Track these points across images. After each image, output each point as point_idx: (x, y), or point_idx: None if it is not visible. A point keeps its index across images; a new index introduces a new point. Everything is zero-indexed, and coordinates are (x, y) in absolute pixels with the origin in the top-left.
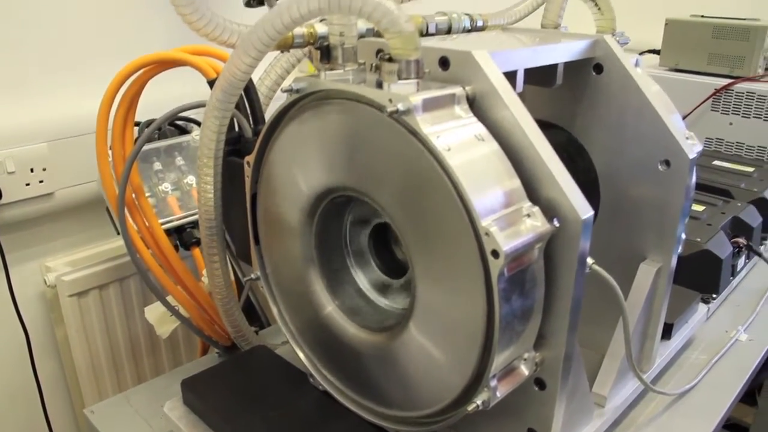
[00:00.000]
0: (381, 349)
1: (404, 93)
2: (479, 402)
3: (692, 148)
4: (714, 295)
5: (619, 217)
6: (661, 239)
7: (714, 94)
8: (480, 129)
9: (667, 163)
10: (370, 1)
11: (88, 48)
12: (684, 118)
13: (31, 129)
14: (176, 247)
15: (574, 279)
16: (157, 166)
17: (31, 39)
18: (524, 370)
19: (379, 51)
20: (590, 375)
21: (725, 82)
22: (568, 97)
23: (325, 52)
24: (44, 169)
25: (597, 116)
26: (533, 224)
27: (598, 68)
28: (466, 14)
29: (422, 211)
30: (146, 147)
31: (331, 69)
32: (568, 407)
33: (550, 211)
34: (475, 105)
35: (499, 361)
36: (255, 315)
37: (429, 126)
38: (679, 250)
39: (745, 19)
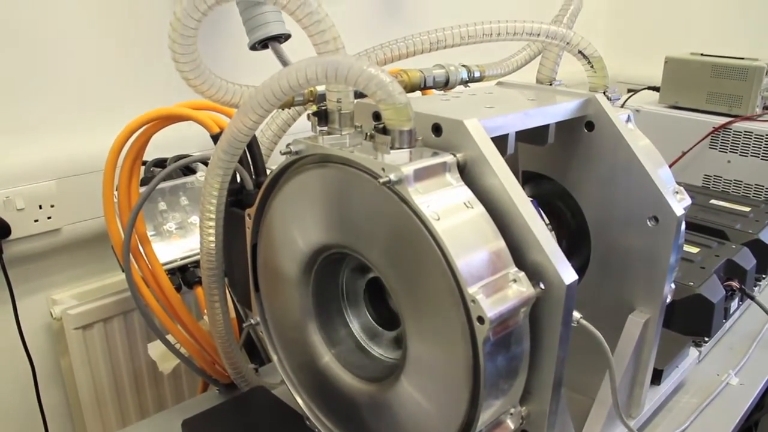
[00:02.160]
0: (375, 399)
1: (397, 163)
2: None
3: (680, 204)
4: (706, 339)
5: (609, 268)
6: (649, 291)
7: (712, 132)
8: (469, 196)
9: (655, 219)
10: (365, 73)
11: (95, 91)
12: (683, 155)
13: (40, 167)
14: (179, 287)
15: (558, 339)
16: (162, 206)
17: (41, 82)
18: (510, 424)
19: (375, 114)
20: (579, 420)
21: (724, 120)
22: (561, 151)
23: (323, 116)
24: (52, 206)
25: (588, 171)
26: (519, 289)
27: (590, 125)
28: (464, 66)
29: (412, 274)
30: (175, 182)
31: (329, 133)
32: None
33: (535, 275)
34: (465, 171)
35: (485, 417)
36: (255, 352)
37: (419, 195)
38: (669, 298)
39: (743, 59)
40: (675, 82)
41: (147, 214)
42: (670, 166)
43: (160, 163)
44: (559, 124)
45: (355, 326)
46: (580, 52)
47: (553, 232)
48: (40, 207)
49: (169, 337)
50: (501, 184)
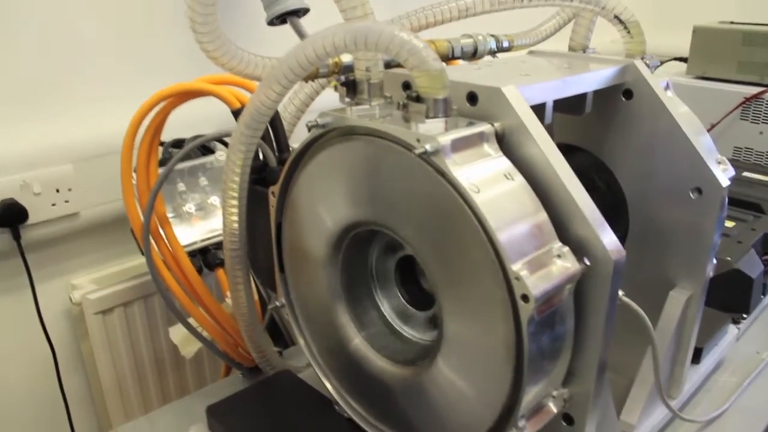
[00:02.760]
0: (408, 382)
1: (432, 133)
2: None
3: (725, 175)
4: (744, 315)
5: (648, 243)
6: (691, 267)
7: (743, 102)
8: (509, 167)
9: (699, 190)
10: (397, 38)
11: (112, 70)
12: (712, 127)
13: (57, 150)
14: (200, 269)
15: (604, 318)
16: (181, 187)
17: (57, 61)
18: (553, 408)
19: (405, 84)
20: (618, 401)
21: (756, 90)
22: (597, 122)
23: (351, 86)
24: (69, 189)
25: (626, 141)
26: (564, 265)
27: (628, 94)
28: (492, 35)
29: (449, 250)
30: (195, 162)
31: (357, 104)
32: None
33: (580, 250)
34: (504, 141)
35: (527, 400)
36: (279, 335)
37: (458, 167)
38: (711, 274)
39: None
40: (703, 52)
41: (166, 196)
42: None
43: (179, 143)
44: (595, 93)
45: (385, 307)
46: (616, 17)
47: None
48: (58, 191)
49: (191, 321)
50: (542, 154)
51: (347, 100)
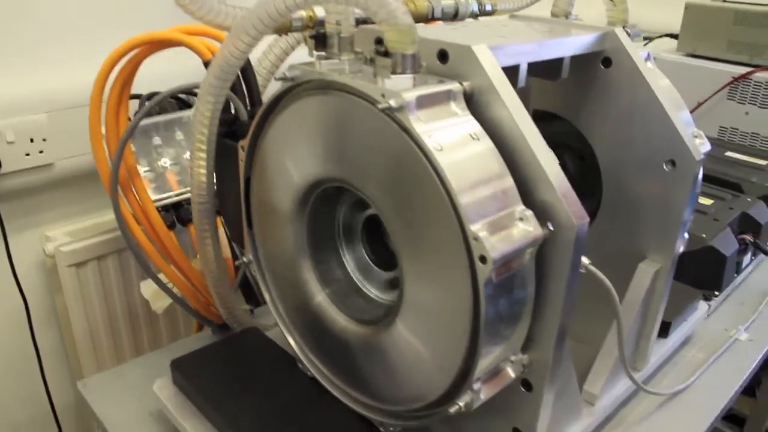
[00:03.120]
0: (368, 342)
1: (398, 88)
2: (461, 404)
3: (699, 148)
4: (716, 293)
5: (620, 213)
6: (662, 240)
7: (731, 82)
8: (475, 127)
9: (672, 163)
10: None
11: (89, 20)
12: (699, 105)
13: (31, 99)
14: (172, 224)
15: (565, 285)
16: (157, 140)
17: (32, 10)
18: (510, 373)
19: (377, 39)
20: (583, 371)
21: (744, 70)
22: (575, 89)
23: (321, 40)
24: (44, 140)
25: (603, 110)
26: (525, 229)
27: (607, 62)
28: None
29: (411, 210)
30: (145, 121)
31: (327, 58)
32: (555, 406)
33: (544, 214)
34: (472, 101)
35: (483, 364)
36: (251, 293)
37: (421, 124)
38: (682, 248)
39: None
40: (694, 29)
41: (141, 150)
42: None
43: (155, 96)
44: (573, 59)
45: (350, 265)
46: None
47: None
48: (32, 140)
49: (161, 276)
50: (510, 116)
51: (317, 53)
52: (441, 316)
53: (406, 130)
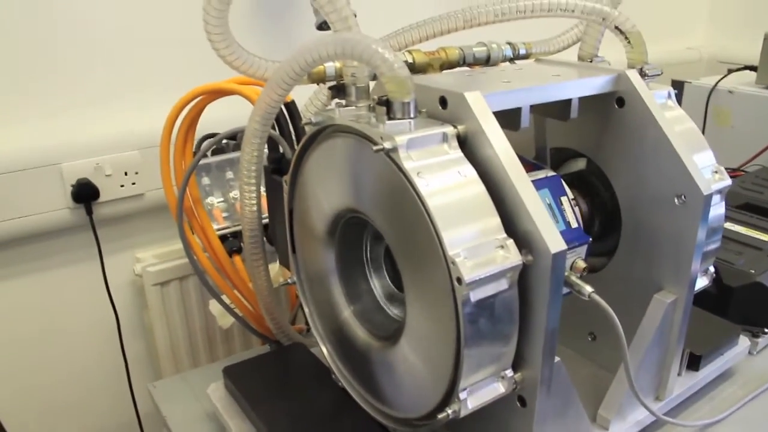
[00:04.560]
0: (381, 355)
1: (394, 132)
2: (449, 411)
3: (714, 184)
4: (766, 330)
5: (638, 247)
6: (676, 272)
7: None
8: (463, 165)
9: (683, 197)
10: (370, 48)
11: (174, 72)
12: None
13: (126, 138)
14: (238, 249)
15: (547, 308)
16: (230, 175)
17: (129, 65)
18: (500, 387)
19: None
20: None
21: None
22: (594, 128)
23: (341, 89)
24: (136, 173)
25: (619, 148)
26: (504, 255)
27: (621, 102)
28: (509, 43)
29: (407, 238)
30: (221, 158)
31: (347, 105)
32: (556, 426)
33: (525, 243)
34: (467, 143)
35: (467, 377)
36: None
37: (411, 162)
38: (706, 281)
39: None
40: None
41: (215, 183)
42: (764, 150)
43: (211, 136)
44: (590, 100)
45: (375, 286)
46: (616, 27)
47: (577, 207)
48: (126, 174)
49: (225, 298)
50: (496, 155)
51: (336, 101)
52: (434, 333)
53: (400, 168)
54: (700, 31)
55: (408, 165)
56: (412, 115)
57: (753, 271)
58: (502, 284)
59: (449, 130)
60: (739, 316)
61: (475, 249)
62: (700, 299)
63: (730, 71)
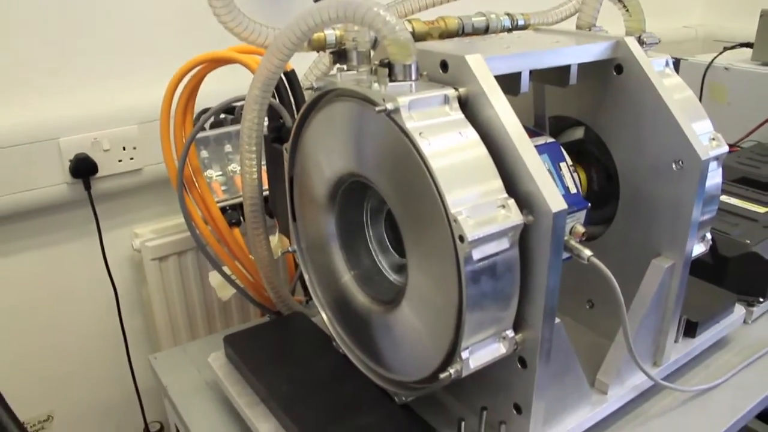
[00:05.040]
0: (382, 319)
1: (396, 93)
2: (452, 371)
3: (711, 150)
4: (761, 299)
5: (636, 214)
6: (674, 237)
7: None
8: (464, 126)
9: (680, 162)
10: (371, 12)
11: (170, 47)
12: None
13: (124, 113)
14: (237, 222)
15: (547, 268)
16: (228, 148)
17: (123, 42)
18: (501, 348)
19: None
20: (601, 364)
21: None
22: (592, 95)
23: (342, 55)
24: (134, 148)
25: (617, 115)
26: (506, 215)
27: (619, 68)
28: (507, 14)
29: (410, 198)
30: (219, 131)
31: (348, 70)
32: (556, 388)
33: (526, 204)
34: (468, 106)
35: (469, 335)
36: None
37: (413, 122)
38: (703, 248)
39: None
40: None
41: (213, 156)
42: (759, 126)
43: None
44: (588, 66)
45: (375, 250)
46: None
47: (576, 174)
48: (124, 148)
49: (225, 269)
50: (497, 116)
51: (338, 66)
52: (436, 295)
53: (401, 128)
54: (697, 10)
55: (410, 125)
56: (413, 78)
57: (749, 242)
58: (504, 243)
59: (450, 92)
60: (735, 286)
61: (477, 208)
62: (696, 269)
63: (725, 49)
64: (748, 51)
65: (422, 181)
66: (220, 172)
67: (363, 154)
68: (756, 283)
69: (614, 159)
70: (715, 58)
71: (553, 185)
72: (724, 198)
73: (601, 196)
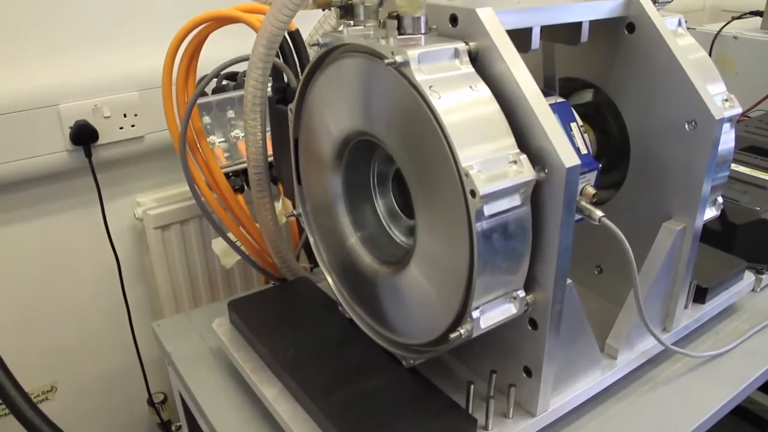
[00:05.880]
0: (388, 280)
1: (405, 46)
2: (462, 331)
3: (722, 109)
4: None
5: (648, 176)
6: (686, 199)
7: None
8: (475, 80)
9: (694, 123)
10: None
11: (173, 12)
12: None
13: (125, 79)
14: (241, 188)
15: (559, 226)
16: (230, 114)
17: (127, 5)
18: (512, 308)
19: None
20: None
21: None
22: (603, 55)
23: (349, 10)
24: (136, 115)
25: (629, 75)
26: (518, 170)
27: (630, 27)
28: None
29: (420, 155)
30: (221, 96)
31: (355, 25)
32: (567, 352)
33: (539, 159)
34: (477, 60)
35: (480, 295)
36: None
37: (422, 75)
38: (715, 212)
39: None
40: None
41: (216, 123)
42: (767, 97)
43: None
44: (599, 25)
45: (381, 212)
46: None
47: (586, 135)
48: (125, 116)
49: (230, 235)
50: (509, 70)
51: (344, 21)
52: (446, 254)
53: (411, 82)
54: None
55: (419, 78)
56: (422, 31)
57: (758, 209)
58: (516, 200)
59: (461, 45)
60: (744, 253)
61: (489, 163)
62: (705, 237)
63: (734, 18)
64: (757, 20)
65: (432, 137)
66: (223, 138)
67: (371, 112)
68: (765, 251)
69: (625, 121)
70: (723, 27)
71: (566, 141)
72: (732, 166)
73: (611, 159)
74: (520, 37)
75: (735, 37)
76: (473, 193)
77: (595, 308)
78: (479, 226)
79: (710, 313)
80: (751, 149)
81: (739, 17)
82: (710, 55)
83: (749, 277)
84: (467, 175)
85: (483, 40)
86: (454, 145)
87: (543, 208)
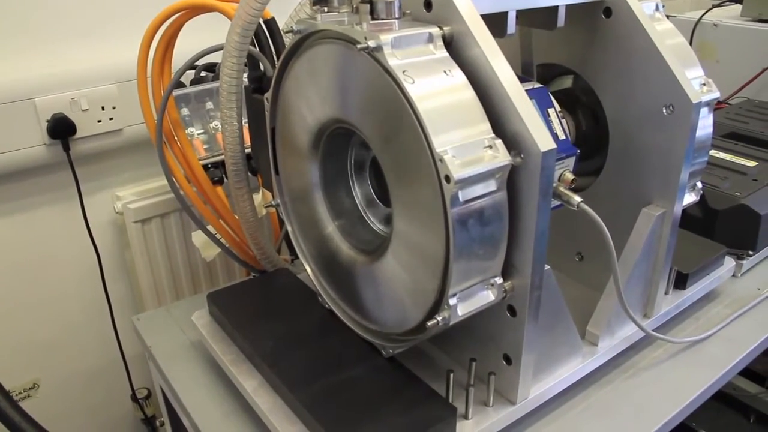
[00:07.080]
0: (366, 269)
1: (378, 31)
2: (439, 318)
3: (699, 93)
4: (750, 252)
5: (626, 162)
6: (665, 185)
7: None
8: (450, 64)
9: (671, 107)
10: None
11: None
12: (763, 71)
13: (103, 71)
14: (220, 180)
15: (536, 211)
16: (209, 105)
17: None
18: (490, 295)
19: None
20: (590, 317)
21: None
22: (580, 40)
23: None
24: (114, 108)
25: (607, 60)
26: (493, 155)
27: (608, 12)
28: None
29: (395, 141)
30: (199, 88)
31: (329, 12)
32: (546, 339)
33: (514, 144)
34: (452, 45)
35: (457, 282)
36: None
37: (396, 60)
38: (693, 197)
39: None
40: None
41: (195, 114)
42: (748, 83)
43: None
44: (576, 10)
45: (359, 200)
46: None
47: (564, 120)
48: (103, 108)
49: (209, 228)
50: (483, 54)
51: (318, 8)
52: (421, 242)
53: (385, 67)
54: None
55: (393, 63)
56: (396, 15)
57: (738, 194)
58: (491, 185)
59: (435, 30)
60: (725, 239)
61: (463, 148)
62: (685, 223)
63: (714, 6)
64: (737, 7)
65: (407, 122)
66: (202, 130)
67: (346, 99)
68: (745, 236)
69: (603, 106)
70: (703, 14)
71: (542, 125)
72: (713, 152)
73: (591, 145)
74: (495, 22)
75: (715, 25)
76: (448, 179)
77: (577, 295)
78: (454, 212)
79: (691, 299)
80: (732, 135)
81: (719, 5)
82: (691, 42)
83: (730, 262)
84: (441, 160)
85: (457, 24)
86: (428, 130)
87: (519, 194)
